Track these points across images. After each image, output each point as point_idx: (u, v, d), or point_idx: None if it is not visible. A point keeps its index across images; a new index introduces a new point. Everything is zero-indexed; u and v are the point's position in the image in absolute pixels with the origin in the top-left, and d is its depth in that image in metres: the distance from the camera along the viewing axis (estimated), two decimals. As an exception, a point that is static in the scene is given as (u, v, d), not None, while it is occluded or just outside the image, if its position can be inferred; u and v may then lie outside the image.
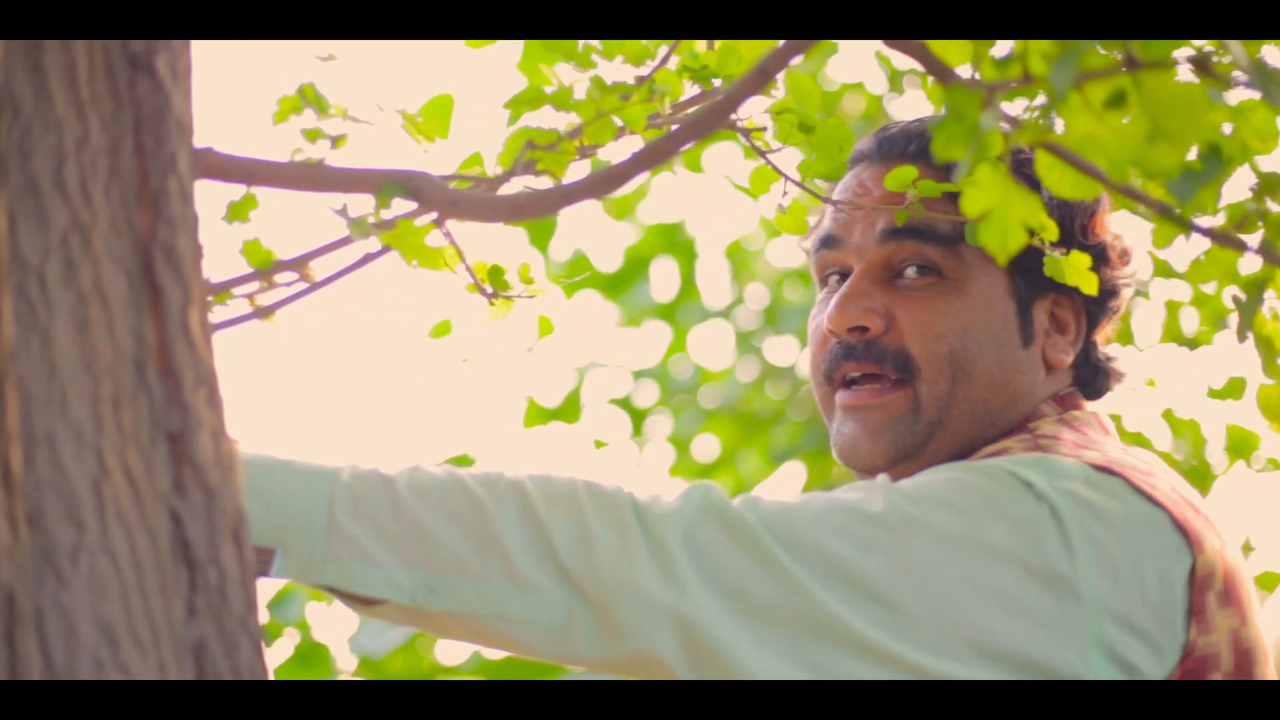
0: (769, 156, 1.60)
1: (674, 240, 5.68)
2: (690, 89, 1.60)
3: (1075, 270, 1.59)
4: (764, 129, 1.59)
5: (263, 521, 1.39)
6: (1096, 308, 1.72)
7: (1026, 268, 1.65)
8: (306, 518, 1.41)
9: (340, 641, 4.70)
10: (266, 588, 4.15)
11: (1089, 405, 1.72)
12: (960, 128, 1.23)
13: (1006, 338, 1.67)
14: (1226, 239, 1.35)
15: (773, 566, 1.45)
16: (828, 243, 1.72)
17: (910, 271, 1.67)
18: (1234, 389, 5.36)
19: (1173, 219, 1.33)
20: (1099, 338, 1.74)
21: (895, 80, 5.23)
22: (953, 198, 1.63)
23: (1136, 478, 1.54)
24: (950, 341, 1.65)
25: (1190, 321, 5.36)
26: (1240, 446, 5.35)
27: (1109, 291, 1.71)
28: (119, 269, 1.17)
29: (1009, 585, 1.47)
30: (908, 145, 1.69)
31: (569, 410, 5.50)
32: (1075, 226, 1.67)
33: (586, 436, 5.61)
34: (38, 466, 1.12)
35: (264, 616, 2.73)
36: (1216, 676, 1.50)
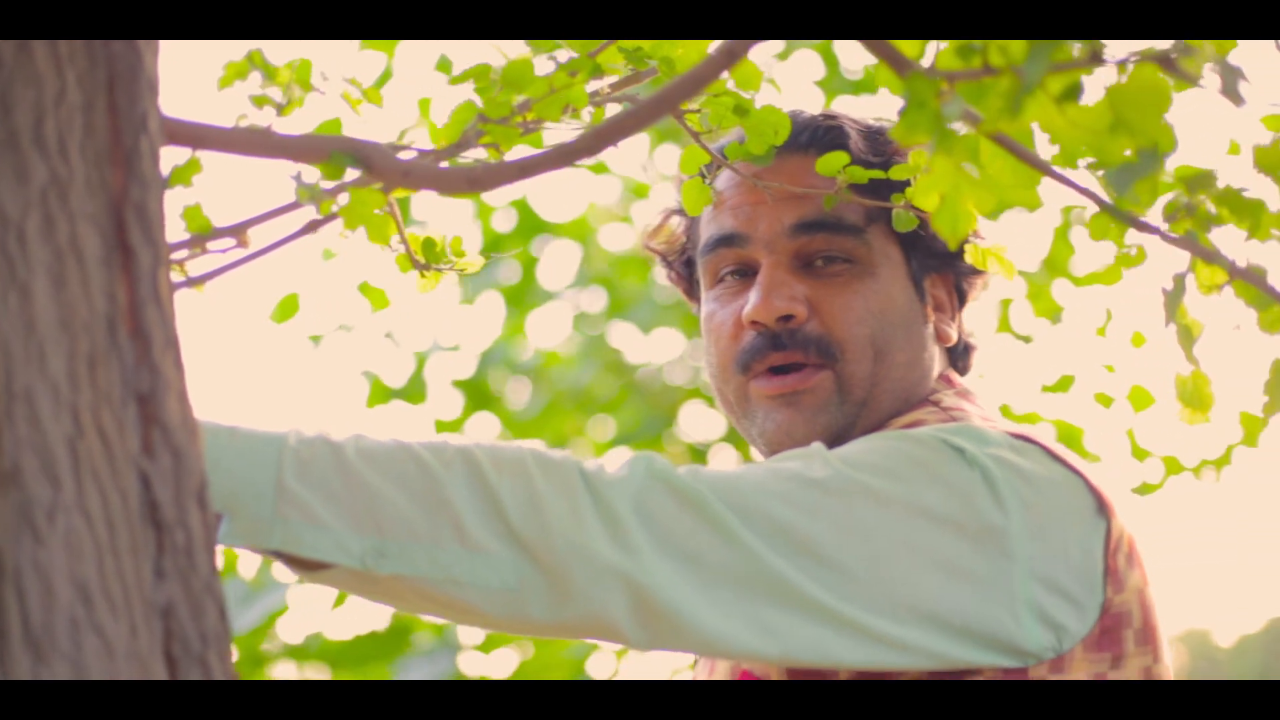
0: (701, 138, 1.63)
1: (522, 220, 5.69)
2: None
3: (996, 257, 1.64)
4: (698, 111, 1.62)
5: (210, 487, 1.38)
6: (966, 286, 1.78)
7: (918, 248, 1.73)
8: (254, 482, 1.40)
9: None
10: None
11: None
12: (923, 115, 1.27)
13: (912, 317, 1.74)
14: (1159, 231, 1.40)
15: (723, 531, 1.48)
16: (728, 240, 1.75)
17: (819, 261, 1.72)
18: (1063, 384, 5.51)
19: (1111, 211, 1.38)
20: (962, 316, 1.81)
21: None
22: (858, 184, 1.68)
23: (1051, 446, 1.60)
24: (870, 324, 1.71)
25: (1024, 317, 5.51)
26: (1067, 441, 5.50)
27: (978, 270, 1.78)
28: (93, 227, 1.16)
29: (947, 548, 1.52)
30: (798, 137, 1.74)
31: (413, 390, 5.48)
32: None
33: (429, 417, 5.59)
34: (17, 423, 1.10)
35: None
36: (1129, 633, 1.57)
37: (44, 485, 1.11)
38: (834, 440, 1.70)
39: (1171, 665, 1.62)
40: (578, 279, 5.96)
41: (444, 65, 5.36)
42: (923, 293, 1.75)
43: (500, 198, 5.76)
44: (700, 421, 6.05)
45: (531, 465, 1.46)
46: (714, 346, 1.76)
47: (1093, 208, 1.32)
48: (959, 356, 1.82)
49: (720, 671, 1.67)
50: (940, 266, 1.76)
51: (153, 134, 1.21)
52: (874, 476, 1.54)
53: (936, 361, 1.77)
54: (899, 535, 1.51)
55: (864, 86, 6.07)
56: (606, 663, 5.52)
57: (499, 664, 5.28)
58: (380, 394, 5.40)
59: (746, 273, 1.75)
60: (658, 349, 6.03)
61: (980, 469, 1.55)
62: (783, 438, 1.71)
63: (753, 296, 1.72)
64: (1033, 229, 6.33)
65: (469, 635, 5.26)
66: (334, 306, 5.67)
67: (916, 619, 1.50)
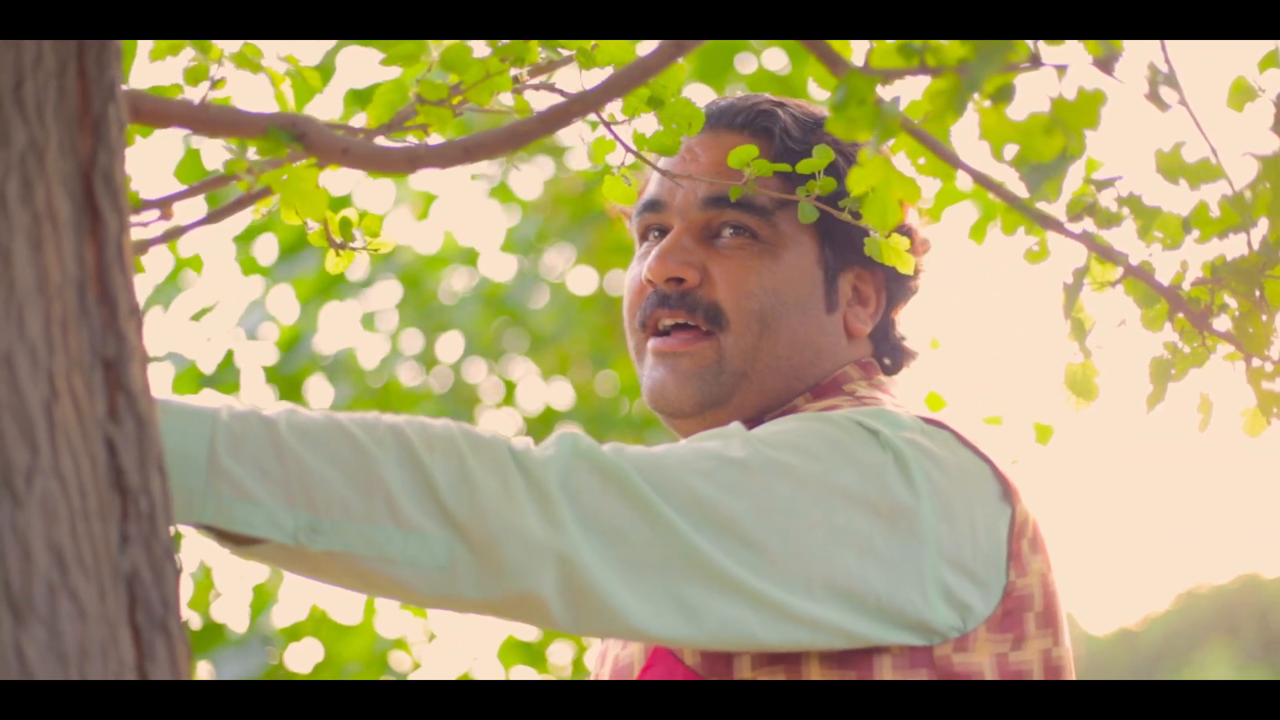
0: (614, 129, 1.67)
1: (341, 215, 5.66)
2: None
3: (893, 252, 1.71)
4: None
5: None
6: (896, 286, 1.84)
7: (836, 240, 1.79)
8: (187, 456, 1.40)
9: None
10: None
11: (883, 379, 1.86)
12: (862, 111, 1.32)
13: (812, 302, 1.80)
14: (1063, 228, 1.48)
15: (645, 509, 1.52)
16: (651, 206, 1.84)
17: (727, 232, 1.79)
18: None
19: (1019, 207, 1.45)
20: (896, 316, 1.87)
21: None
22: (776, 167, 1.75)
23: (960, 432, 1.67)
24: (760, 299, 1.77)
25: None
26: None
27: (908, 276, 1.84)
28: (65, 192, 1.16)
29: (860, 528, 1.58)
30: (735, 117, 1.81)
31: (224, 376, 5.41)
32: None
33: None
34: (-4, 385, 1.10)
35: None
36: (1030, 615, 1.65)
37: (22, 449, 1.11)
38: (709, 404, 1.77)
39: (1069, 650, 1.69)
40: (376, 275, 5.95)
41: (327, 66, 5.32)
42: (833, 282, 1.81)
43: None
44: (499, 420, 6.09)
45: (462, 444, 1.48)
46: (625, 300, 1.86)
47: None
48: (889, 354, 1.87)
49: (634, 646, 1.70)
50: (867, 262, 1.82)
51: (119, 101, 1.22)
52: (792, 456, 1.59)
53: (842, 350, 1.82)
54: (816, 514, 1.57)
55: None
56: (405, 659, 5.51)
57: (302, 656, 5.24)
58: (191, 380, 5.32)
59: (666, 233, 1.85)
60: (457, 348, 6.05)
61: (893, 451, 1.61)
62: (659, 395, 1.79)
63: (650, 257, 1.81)
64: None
65: (279, 625, 5.23)
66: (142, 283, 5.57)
67: (832, 597, 1.56)
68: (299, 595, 5.40)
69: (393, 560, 1.44)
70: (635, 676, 1.68)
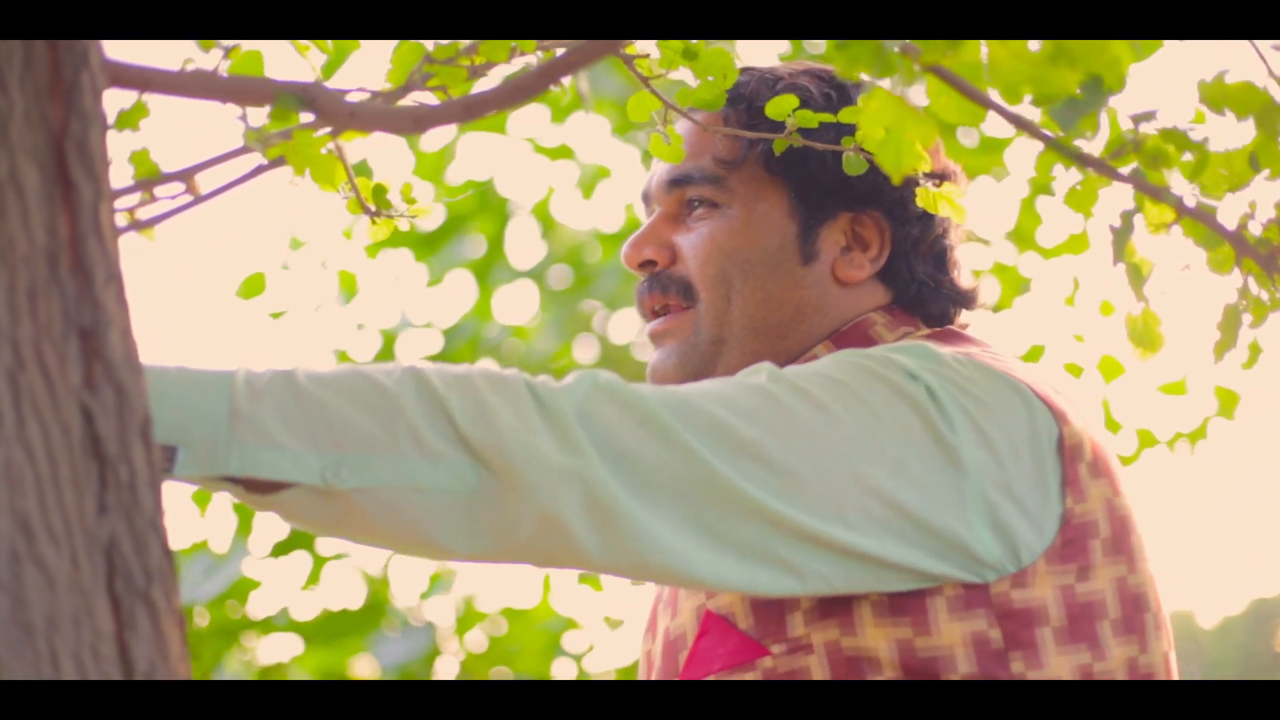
0: (651, 83, 1.63)
1: (485, 200, 5.70)
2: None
3: (946, 200, 1.64)
4: (647, 55, 1.62)
5: (160, 420, 1.38)
6: (904, 226, 1.78)
7: (811, 189, 1.77)
8: (208, 410, 1.40)
9: None
10: None
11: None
12: (865, 48, 1.27)
13: (783, 256, 1.78)
14: (1104, 167, 1.40)
15: (664, 434, 1.49)
16: (645, 199, 1.87)
17: (694, 208, 1.81)
18: (1033, 355, 5.52)
19: (1054, 146, 1.38)
20: (922, 256, 1.80)
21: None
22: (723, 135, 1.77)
23: (992, 361, 1.61)
24: (719, 263, 1.77)
25: (991, 288, 5.51)
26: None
27: (920, 215, 1.79)
28: (32, 161, 1.16)
29: (892, 451, 1.53)
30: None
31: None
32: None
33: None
34: (-45, 355, 1.10)
35: None
36: (1096, 543, 1.58)
37: (-16, 417, 1.10)
38: (695, 375, 1.76)
39: (1152, 577, 1.61)
40: (546, 257, 5.97)
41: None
42: (811, 232, 1.77)
43: (461, 176, 5.76)
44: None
45: (478, 379, 1.48)
46: None
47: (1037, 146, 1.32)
48: (915, 297, 1.79)
49: (684, 615, 1.67)
50: (860, 204, 1.77)
51: (94, 69, 1.21)
52: (818, 383, 1.56)
53: (836, 300, 1.77)
54: (844, 434, 1.53)
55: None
56: (582, 638, 5.52)
57: (473, 642, 5.28)
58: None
59: None
60: (625, 325, 6.05)
61: (924, 383, 1.56)
62: (659, 377, 1.80)
63: (626, 244, 1.85)
64: (1000, 200, 6.35)
65: (443, 616, 5.27)
66: (302, 286, 5.68)
67: (868, 522, 1.51)
68: (470, 581, 5.45)
69: (422, 489, 1.44)
70: (689, 646, 1.65)
